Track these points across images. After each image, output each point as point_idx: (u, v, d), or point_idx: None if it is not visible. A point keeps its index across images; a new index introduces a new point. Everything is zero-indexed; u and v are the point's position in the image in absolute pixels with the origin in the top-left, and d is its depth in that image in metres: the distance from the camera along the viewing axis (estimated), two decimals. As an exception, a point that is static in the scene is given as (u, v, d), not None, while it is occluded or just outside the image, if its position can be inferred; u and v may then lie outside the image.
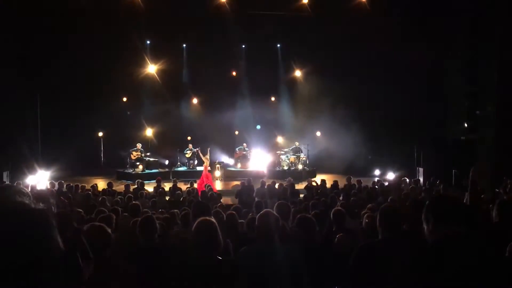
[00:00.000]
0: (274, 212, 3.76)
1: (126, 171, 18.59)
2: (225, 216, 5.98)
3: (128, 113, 21.21)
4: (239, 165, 20.10)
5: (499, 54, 13.40)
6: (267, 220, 3.56)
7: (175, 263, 3.28)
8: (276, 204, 5.07)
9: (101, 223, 3.68)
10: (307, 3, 17.51)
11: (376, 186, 12.47)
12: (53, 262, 1.44)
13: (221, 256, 3.27)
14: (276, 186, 12.58)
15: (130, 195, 10.61)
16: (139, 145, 18.91)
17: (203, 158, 17.06)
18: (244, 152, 20.06)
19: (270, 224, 3.54)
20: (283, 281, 3.33)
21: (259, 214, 3.71)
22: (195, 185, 13.18)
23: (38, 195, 2.41)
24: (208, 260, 3.10)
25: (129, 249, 4.31)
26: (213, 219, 3.38)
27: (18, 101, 16.01)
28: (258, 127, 21.87)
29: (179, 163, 19.92)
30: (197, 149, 18.10)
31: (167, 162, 20.46)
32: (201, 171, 16.66)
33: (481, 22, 15.01)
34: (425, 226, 2.38)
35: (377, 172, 18.34)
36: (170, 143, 20.64)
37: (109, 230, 3.44)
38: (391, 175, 16.84)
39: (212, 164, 19.55)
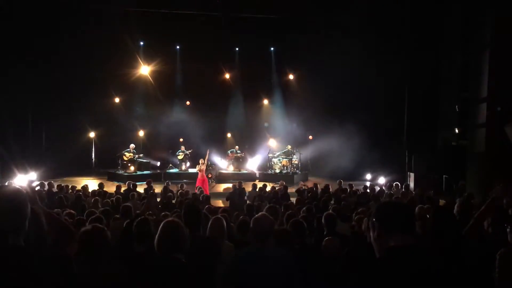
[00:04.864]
0: (269, 216, 3.77)
1: (117, 172, 18.49)
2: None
3: (137, 108, 21.26)
4: (231, 168, 20.10)
5: (491, 60, 13.51)
6: (262, 224, 3.57)
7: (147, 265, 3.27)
8: (266, 208, 5.08)
9: (100, 225, 3.66)
10: (301, 6, 17.57)
11: (368, 190, 12.51)
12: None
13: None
14: (268, 189, 12.59)
15: (121, 196, 10.56)
16: (132, 146, 18.80)
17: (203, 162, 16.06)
18: (236, 155, 20.07)
19: (265, 227, 3.55)
20: (276, 284, 3.34)
21: (254, 218, 3.71)
22: (185, 186, 13.12)
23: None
24: (170, 261, 3.09)
25: (122, 252, 4.30)
26: (178, 220, 3.37)
27: (8, 101, 15.90)
28: (266, 125, 21.94)
29: (171, 164, 19.88)
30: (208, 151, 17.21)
31: (159, 163, 20.40)
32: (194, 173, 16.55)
33: (473, 28, 15.14)
34: (370, 232, 2.32)
35: (368, 176, 18.45)
36: (162, 144, 20.59)
37: (108, 233, 3.42)
38: (382, 180, 16.95)
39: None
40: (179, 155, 19.49)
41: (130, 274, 3.22)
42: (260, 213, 3.88)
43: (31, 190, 2.68)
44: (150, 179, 13.61)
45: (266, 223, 3.58)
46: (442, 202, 10.38)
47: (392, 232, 2.19)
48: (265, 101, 22.63)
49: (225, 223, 4.64)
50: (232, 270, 3.43)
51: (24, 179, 14.59)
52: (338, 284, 3.87)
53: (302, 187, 13.24)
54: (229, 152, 20.45)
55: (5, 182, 12.49)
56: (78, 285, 2.87)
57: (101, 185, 12.24)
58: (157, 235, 3.20)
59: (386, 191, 12.21)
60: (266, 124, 21.93)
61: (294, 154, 19.74)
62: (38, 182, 13.16)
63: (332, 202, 9.79)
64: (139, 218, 4.65)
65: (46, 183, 12.64)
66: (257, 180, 17.54)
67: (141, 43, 21.11)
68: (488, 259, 3.09)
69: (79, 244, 3.19)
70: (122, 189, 12.17)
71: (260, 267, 3.36)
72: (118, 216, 6.89)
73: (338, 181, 13.56)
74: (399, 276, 2.05)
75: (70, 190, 11.88)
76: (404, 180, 16.23)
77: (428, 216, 5.79)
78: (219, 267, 4.00)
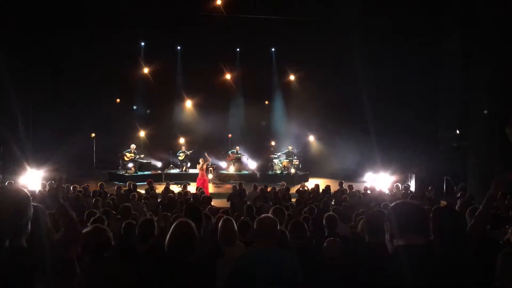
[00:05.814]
0: (272, 217, 3.75)
1: (118, 172, 18.48)
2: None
3: (134, 107, 21.34)
4: (231, 168, 20.09)
5: (492, 61, 13.51)
6: (266, 224, 3.55)
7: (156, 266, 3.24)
8: (272, 209, 5.07)
9: (101, 226, 3.66)
10: (302, 7, 17.58)
11: (368, 191, 12.51)
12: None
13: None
14: (269, 189, 12.57)
15: (122, 197, 10.56)
16: (133, 146, 18.77)
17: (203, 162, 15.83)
18: (237, 156, 20.06)
19: (269, 228, 3.53)
20: (279, 285, 3.33)
21: (258, 218, 3.68)
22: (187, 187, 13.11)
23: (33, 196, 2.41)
24: (181, 263, 3.08)
25: (123, 251, 4.30)
26: (190, 221, 3.31)
27: (9, 100, 15.89)
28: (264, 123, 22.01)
29: (171, 165, 19.87)
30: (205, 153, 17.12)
31: (159, 164, 20.39)
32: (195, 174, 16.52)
33: (475, 30, 15.14)
34: (385, 234, 2.34)
35: (369, 177, 18.42)
36: (163, 145, 20.58)
37: (110, 233, 3.39)
38: (382, 181, 16.92)
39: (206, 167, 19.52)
40: (179, 155, 19.47)
41: (135, 274, 3.20)
42: (263, 215, 3.86)
43: (53, 187, 2.60)
44: (151, 180, 13.61)
45: (269, 223, 3.55)
46: (443, 203, 10.38)
47: (405, 233, 2.21)
48: (266, 102, 22.65)
49: (235, 224, 4.61)
50: (235, 271, 3.42)
51: (30, 179, 14.66)
52: (339, 285, 3.87)
53: (301, 188, 13.24)
54: (229, 152, 20.44)
55: (5, 182, 12.50)
56: (84, 286, 2.86)
57: (101, 186, 12.25)
58: (168, 236, 3.16)
59: (387, 192, 12.21)
60: (263, 123, 21.98)
61: (294, 155, 19.74)
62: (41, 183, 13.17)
63: (333, 203, 9.80)
64: (145, 219, 4.64)
65: (47, 183, 12.63)
66: (258, 181, 17.51)
67: (142, 43, 21.13)
68: (490, 259, 3.09)
69: (82, 245, 3.18)
70: (123, 189, 12.16)
71: (263, 268, 3.34)
72: (119, 216, 6.91)
73: (339, 181, 13.57)
74: (405, 272, 2.06)
75: (72, 190, 11.88)
76: (405, 181, 16.22)
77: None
78: (224, 267, 3.99)
